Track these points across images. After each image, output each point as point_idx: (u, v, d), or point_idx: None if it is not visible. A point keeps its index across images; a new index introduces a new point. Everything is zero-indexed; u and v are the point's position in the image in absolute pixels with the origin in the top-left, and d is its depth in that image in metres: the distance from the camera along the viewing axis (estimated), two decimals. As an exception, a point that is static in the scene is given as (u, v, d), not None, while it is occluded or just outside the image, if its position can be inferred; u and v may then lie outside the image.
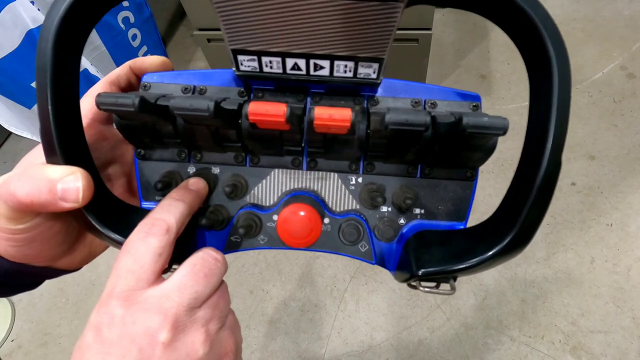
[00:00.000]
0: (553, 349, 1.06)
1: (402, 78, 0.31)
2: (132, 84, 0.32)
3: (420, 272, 0.27)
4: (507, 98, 1.54)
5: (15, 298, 1.33)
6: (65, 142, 0.24)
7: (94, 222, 0.26)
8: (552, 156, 0.22)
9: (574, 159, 1.35)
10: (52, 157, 0.24)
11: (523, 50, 0.24)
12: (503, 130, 0.22)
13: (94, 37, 1.31)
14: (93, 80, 1.32)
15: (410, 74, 1.38)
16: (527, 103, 1.54)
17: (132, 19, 1.45)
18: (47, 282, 0.33)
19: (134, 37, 1.49)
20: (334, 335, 1.16)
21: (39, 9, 1.14)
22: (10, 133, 1.69)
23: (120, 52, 1.43)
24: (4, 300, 1.32)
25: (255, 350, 1.16)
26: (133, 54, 1.50)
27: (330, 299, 1.22)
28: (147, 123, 0.28)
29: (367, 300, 1.20)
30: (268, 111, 0.23)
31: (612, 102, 1.47)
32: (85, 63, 1.30)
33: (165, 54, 1.71)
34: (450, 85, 1.58)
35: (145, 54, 1.56)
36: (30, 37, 1.14)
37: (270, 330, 1.19)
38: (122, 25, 1.41)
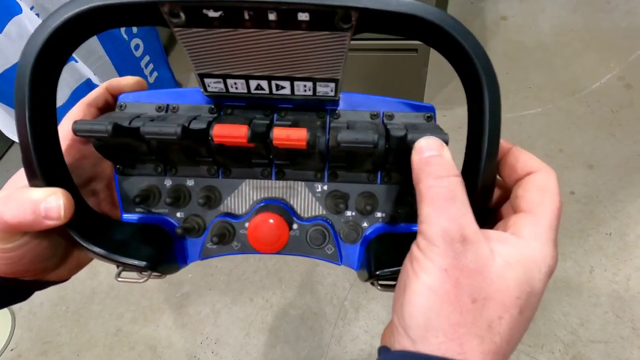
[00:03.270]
0: (553, 359, 1.06)
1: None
2: (109, 104, 0.33)
3: (378, 272, 0.29)
4: (505, 107, 1.53)
5: (16, 307, 1.33)
6: (45, 167, 0.26)
7: (76, 238, 0.27)
8: (487, 167, 0.25)
9: (573, 167, 1.36)
10: (34, 180, 0.26)
11: (460, 76, 0.27)
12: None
13: (97, 47, 1.33)
14: (96, 89, 1.34)
15: (409, 83, 1.40)
16: (525, 112, 1.55)
17: (134, 29, 1.46)
18: (47, 290, 0.34)
19: (137, 47, 1.50)
20: (333, 344, 1.16)
21: (44, 20, 1.16)
22: (13, 142, 1.70)
23: (123, 61, 1.44)
24: (5, 309, 1.31)
25: (255, 358, 1.16)
26: (136, 63, 1.51)
27: (330, 307, 1.22)
28: (122, 143, 0.30)
29: (366, 308, 1.20)
30: (231, 133, 0.25)
31: (610, 112, 1.48)
32: (88, 73, 1.31)
33: (167, 64, 1.73)
34: (450, 94, 1.60)
35: (147, 64, 1.58)
36: (35, 47, 1.15)
37: (270, 338, 1.19)
38: (125, 36, 1.43)
